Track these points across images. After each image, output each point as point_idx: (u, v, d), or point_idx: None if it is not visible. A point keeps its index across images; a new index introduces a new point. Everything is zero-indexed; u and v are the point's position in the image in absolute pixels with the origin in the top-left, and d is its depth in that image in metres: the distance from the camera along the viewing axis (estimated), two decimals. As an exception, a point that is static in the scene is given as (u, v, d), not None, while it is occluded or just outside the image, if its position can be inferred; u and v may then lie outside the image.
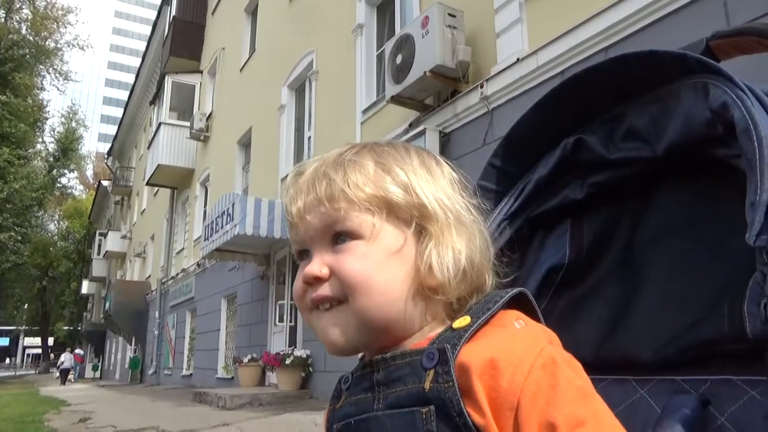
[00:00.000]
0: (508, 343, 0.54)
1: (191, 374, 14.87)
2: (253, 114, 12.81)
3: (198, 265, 14.83)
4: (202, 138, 16.47)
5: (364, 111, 8.26)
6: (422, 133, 6.37)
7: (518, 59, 5.34)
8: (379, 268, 0.57)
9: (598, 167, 0.75)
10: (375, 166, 0.61)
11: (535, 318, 0.61)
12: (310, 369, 8.50)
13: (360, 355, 0.64)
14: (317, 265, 0.59)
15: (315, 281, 0.59)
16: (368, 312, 0.57)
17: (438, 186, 0.62)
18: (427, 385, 0.53)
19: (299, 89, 11.16)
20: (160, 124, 17.52)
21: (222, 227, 9.67)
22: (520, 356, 0.52)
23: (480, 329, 0.56)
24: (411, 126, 6.92)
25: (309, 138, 10.28)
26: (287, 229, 0.65)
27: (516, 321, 0.58)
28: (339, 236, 0.59)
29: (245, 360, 9.88)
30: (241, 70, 14.19)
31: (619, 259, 0.74)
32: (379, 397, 0.56)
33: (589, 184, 0.77)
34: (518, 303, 0.61)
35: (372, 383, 0.58)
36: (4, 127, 23.30)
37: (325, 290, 0.58)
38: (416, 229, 0.60)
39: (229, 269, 12.40)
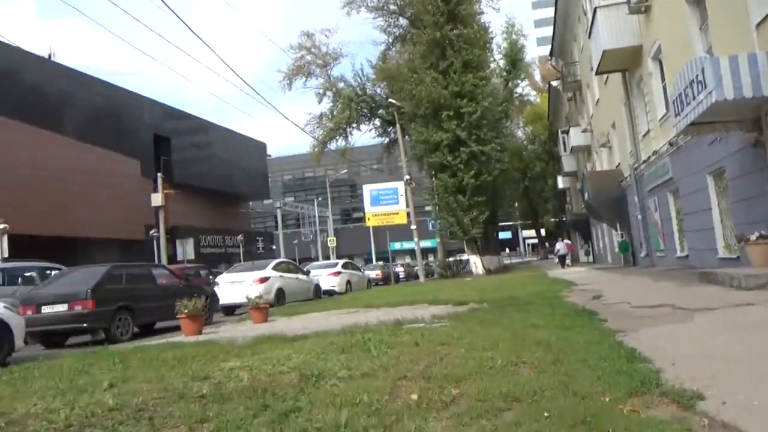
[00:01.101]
0: None
1: (687, 255, 14.52)
2: (701, -40, 11.00)
3: (670, 144, 14.09)
4: (642, 9, 15.21)
5: None
6: None
7: None
8: None
9: None
10: None
11: None
12: None
13: None
14: None
15: None
16: None
17: None
18: None
19: None
20: (595, 9, 17.00)
21: (693, 98, 8.89)
22: None
23: None
24: None
25: (786, -37, 8.19)
26: None
27: None
28: None
29: (752, 237, 9.01)
30: None
31: None
32: None
33: None
34: None
35: None
36: (464, 55, 27.01)
37: None
38: None
39: (708, 143, 11.35)
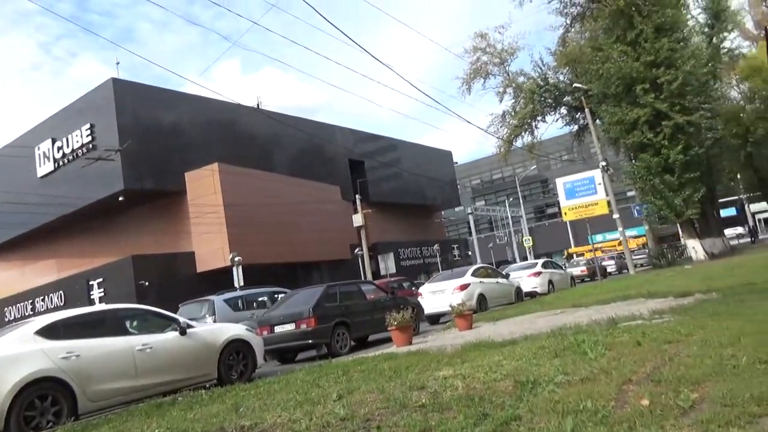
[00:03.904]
0: None
1: None
2: None
3: None
4: None
5: None
6: None
7: None
8: None
9: None
10: None
11: None
12: None
13: None
14: None
15: None
16: None
17: None
18: None
19: None
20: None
21: None
22: None
23: None
24: None
25: None
26: None
27: None
28: None
29: None
30: None
31: None
32: None
33: None
34: None
35: None
36: (654, 19, 24.40)
37: None
38: None
39: None
